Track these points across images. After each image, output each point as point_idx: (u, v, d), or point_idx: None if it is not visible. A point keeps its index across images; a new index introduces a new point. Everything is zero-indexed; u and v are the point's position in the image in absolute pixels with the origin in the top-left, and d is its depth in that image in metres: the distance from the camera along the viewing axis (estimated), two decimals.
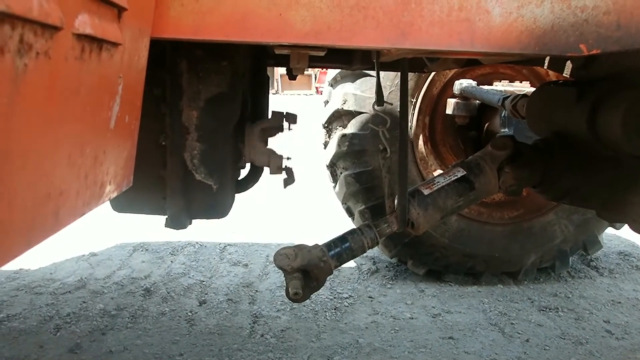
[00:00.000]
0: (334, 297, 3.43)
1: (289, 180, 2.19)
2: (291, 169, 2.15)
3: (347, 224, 3.86)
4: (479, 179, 2.00)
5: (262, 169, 2.18)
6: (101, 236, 4.39)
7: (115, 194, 1.13)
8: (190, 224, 1.90)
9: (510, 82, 3.54)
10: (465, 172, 2.01)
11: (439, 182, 2.00)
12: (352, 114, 3.46)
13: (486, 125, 3.51)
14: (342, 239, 1.92)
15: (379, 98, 1.88)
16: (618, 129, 1.71)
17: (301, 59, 1.56)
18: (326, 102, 3.82)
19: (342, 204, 3.78)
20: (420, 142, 3.60)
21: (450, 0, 1.29)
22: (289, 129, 2.08)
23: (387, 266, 3.99)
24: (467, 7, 1.30)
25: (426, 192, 1.97)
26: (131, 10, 0.97)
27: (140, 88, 1.19)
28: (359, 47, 1.34)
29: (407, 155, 1.93)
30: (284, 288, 1.86)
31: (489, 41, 1.32)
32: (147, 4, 1.11)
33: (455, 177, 2.00)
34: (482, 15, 1.30)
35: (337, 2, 1.27)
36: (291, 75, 2.24)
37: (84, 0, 0.77)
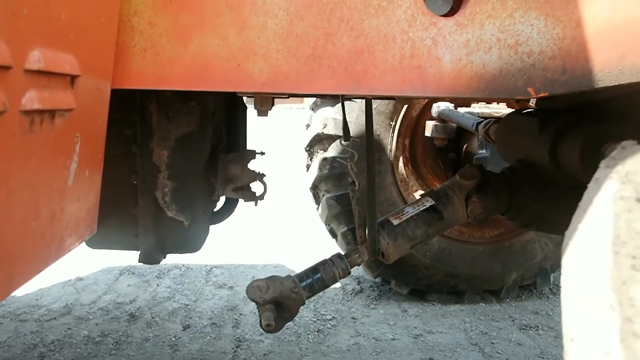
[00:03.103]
0: (317, 319, 3.46)
1: (260, 197, 2.19)
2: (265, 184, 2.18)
3: (331, 244, 3.91)
4: (447, 209, 2.05)
5: (237, 201, 2.22)
6: (87, 260, 4.40)
7: (77, 244, 1.17)
8: (165, 258, 1.94)
9: (487, 103, 3.60)
10: (433, 202, 2.06)
11: (408, 212, 2.05)
12: (333, 138, 3.51)
13: (464, 146, 3.57)
14: (314, 269, 1.97)
15: (346, 133, 1.93)
16: (576, 161, 1.76)
17: (264, 101, 1.61)
18: (307, 126, 3.87)
19: (325, 225, 3.82)
20: (401, 163, 3.65)
21: (402, 48, 1.35)
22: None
23: (371, 286, 4.03)
24: (418, 55, 1.35)
25: (395, 222, 2.02)
26: (85, 75, 1.02)
27: (101, 141, 1.23)
28: (316, 94, 1.39)
29: (374, 188, 1.98)
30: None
31: (440, 86, 1.37)
32: (104, 61, 1.16)
33: (424, 207, 2.05)
34: (433, 62, 1.36)
35: (292, 52, 1.33)
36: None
37: (30, 77, 0.81)
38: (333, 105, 3.52)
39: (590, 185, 0.81)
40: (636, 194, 0.67)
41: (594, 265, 0.64)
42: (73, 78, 0.97)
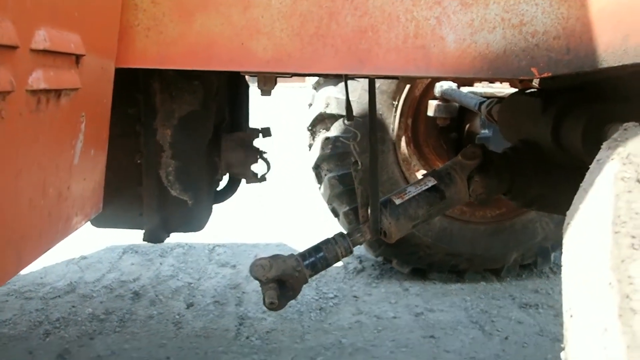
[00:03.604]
0: (320, 297, 3.49)
1: (262, 177, 2.20)
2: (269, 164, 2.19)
3: (333, 224, 3.93)
4: (449, 189, 2.06)
5: (240, 180, 2.23)
6: (91, 239, 4.43)
7: (83, 223, 1.18)
8: (168, 236, 1.95)
9: (490, 82, 3.58)
10: (436, 182, 2.06)
11: (410, 191, 2.05)
12: (335, 117, 3.51)
13: (467, 126, 3.57)
14: (317, 249, 1.99)
15: (349, 113, 1.94)
16: (579, 142, 1.76)
17: (267, 81, 1.62)
18: (310, 105, 3.87)
19: (328, 204, 3.84)
20: (403, 143, 3.66)
21: (406, 28, 1.34)
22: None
23: (373, 265, 4.06)
24: (422, 34, 1.35)
25: (398, 201, 2.03)
26: (90, 54, 1.02)
27: (106, 120, 1.24)
28: (319, 73, 1.39)
29: (377, 168, 1.99)
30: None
31: (444, 66, 1.37)
32: (108, 40, 1.16)
33: (426, 187, 2.06)
34: (437, 42, 1.36)
35: (296, 31, 1.32)
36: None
37: (36, 57, 0.82)
38: (335, 84, 3.52)
39: (592, 166, 0.82)
40: (637, 175, 0.68)
41: (594, 244, 0.66)
42: (78, 57, 0.98)
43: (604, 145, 0.84)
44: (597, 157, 0.83)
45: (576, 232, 0.74)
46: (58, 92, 0.92)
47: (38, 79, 0.82)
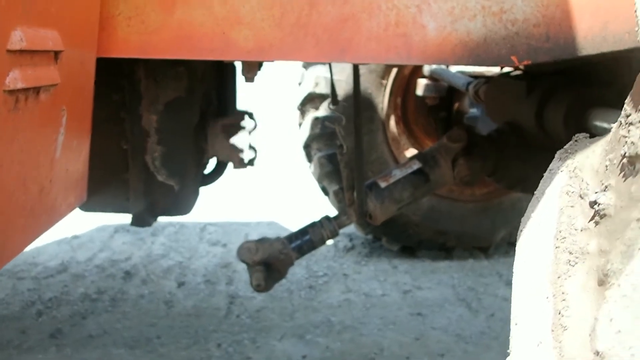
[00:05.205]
0: (310, 276, 3.54)
1: (250, 162, 2.21)
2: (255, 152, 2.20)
3: (323, 202, 3.96)
4: (434, 171, 2.09)
5: (227, 163, 2.25)
6: (83, 218, 4.44)
7: (68, 213, 1.20)
8: (156, 221, 1.98)
9: None
10: (421, 165, 2.09)
11: (395, 174, 2.08)
12: (324, 97, 3.51)
13: (456, 105, 3.58)
14: (303, 232, 2.02)
15: (334, 98, 1.95)
16: (561, 125, 1.79)
17: (251, 68, 1.62)
18: (300, 84, 3.86)
19: (318, 183, 3.86)
20: (392, 122, 3.67)
21: (387, 16, 1.35)
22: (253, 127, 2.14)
23: (362, 243, 4.10)
24: (403, 23, 1.36)
25: (383, 185, 2.06)
26: (69, 48, 1.03)
27: (88, 111, 1.25)
28: (301, 61, 1.40)
29: (362, 151, 2.01)
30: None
31: (425, 54, 1.38)
32: (88, 33, 1.16)
33: (412, 170, 2.08)
34: (418, 30, 1.37)
35: (278, 21, 1.33)
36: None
37: (13, 57, 0.82)
38: (325, 64, 3.51)
39: (545, 175, 0.84)
40: (580, 190, 0.71)
41: (539, 256, 0.68)
42: (57, 53, 0.98)
43: (557, 154, 0.87)
44: (550, 166, 0.86)
45: (526, 241, 0.77)
46: (37, 90, 0.93)
47: (15, 79, 0.83)
